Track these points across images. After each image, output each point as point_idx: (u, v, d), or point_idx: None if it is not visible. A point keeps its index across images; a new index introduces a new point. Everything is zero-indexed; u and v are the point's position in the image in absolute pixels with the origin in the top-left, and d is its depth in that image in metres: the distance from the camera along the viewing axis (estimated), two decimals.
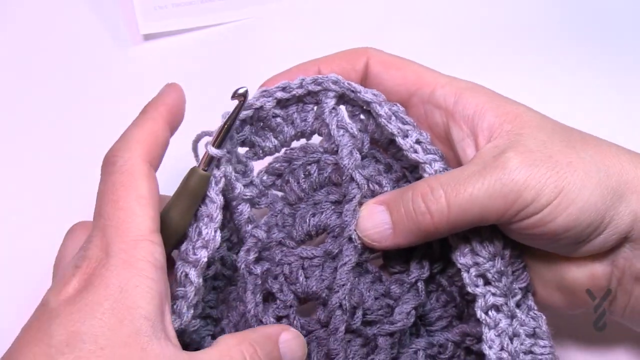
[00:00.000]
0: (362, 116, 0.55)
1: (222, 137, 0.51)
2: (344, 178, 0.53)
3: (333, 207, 0.54)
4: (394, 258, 0.54)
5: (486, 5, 0.76)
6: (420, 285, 0.53)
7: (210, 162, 0.51)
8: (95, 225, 0.47)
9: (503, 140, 0.50)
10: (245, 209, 0.54)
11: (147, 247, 0.46)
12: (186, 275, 0.49)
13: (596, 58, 0.73)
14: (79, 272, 0.45)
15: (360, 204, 0.53)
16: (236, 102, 0.51)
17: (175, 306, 0.49)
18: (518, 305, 0.51)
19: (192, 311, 0.49)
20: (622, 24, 0.75)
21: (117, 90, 0.73)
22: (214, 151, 0.50)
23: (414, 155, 0.52)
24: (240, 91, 0.51)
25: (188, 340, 0.52)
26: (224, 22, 0.75)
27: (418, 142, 0.52)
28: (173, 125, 0.51)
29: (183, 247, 0.50)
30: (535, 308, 0.52)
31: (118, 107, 0.67)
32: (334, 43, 0.73)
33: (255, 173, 0.56)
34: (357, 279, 0.53)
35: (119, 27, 0.75)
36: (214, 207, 0.50)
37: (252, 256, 0.54)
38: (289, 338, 0.50)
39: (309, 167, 0.55)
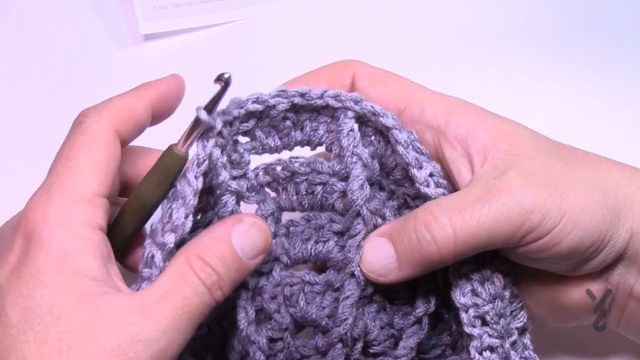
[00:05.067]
0: (373, 137, 0.53)
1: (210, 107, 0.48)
2: (350, 212, 0.51)
3: (336, 238, 0.52)
4: (398, 288, 0.52)
5: (484, 8, 0.76)
6: (425, 319, 0.52)
7: (192, 143, 0.48)
8: (45, 180, 0.46)
9: (501, 160, 0.49)
10: (230, 201, 0.51)
11: (86, 210, 0.44)
12: (152, 257, 0.47)
13: (596, 59, 0.73)
14: (18, 235, 0.44)
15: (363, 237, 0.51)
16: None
17: (137, 286, 0.47)
18: (513, 344, 0.50)
19: None
20: (623, 26, 0.75)
21: (117, 91, 0.71)
22: (204, 116, 0.47)
23: (425, 190, 0.50)
24: (225, 76, 0.48)
25: None
26: (224, 22, 0.75)
27: (431, 175, 0.50)
28: (158, 110, 0.49)
29: (154, 224, 0.48)
30: (531, 347, 0.51)
31: None
32: (333, 43, 0.73)
33: (251, 167, 0.53)
34: (361, 309, 0.51)
35: (119, 27, 0.75)
36: (189, 190, 0.47)
37: None
38: (243, 230, 0.47)
39: (313, 187, 0.53)
